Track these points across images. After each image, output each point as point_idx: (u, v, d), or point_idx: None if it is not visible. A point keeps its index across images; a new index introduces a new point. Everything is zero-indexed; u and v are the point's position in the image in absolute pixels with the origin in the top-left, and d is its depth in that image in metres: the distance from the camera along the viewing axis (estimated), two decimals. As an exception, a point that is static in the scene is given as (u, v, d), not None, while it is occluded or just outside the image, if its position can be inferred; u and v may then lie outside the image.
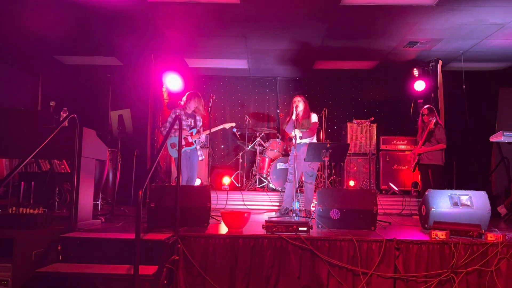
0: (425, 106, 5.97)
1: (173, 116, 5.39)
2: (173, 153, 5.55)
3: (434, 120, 5.67)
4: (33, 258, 3.18)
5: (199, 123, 5.70)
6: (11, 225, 3.37)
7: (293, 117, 5.21)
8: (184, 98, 5.64)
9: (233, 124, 6.18)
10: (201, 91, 8.31)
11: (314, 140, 5.58)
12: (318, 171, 7.38)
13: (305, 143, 5.29)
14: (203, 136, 5.71)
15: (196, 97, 5.60)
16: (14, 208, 3.48)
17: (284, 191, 5.81)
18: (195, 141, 5.54)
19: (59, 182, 5.10)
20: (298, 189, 5.10)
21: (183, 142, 5.42)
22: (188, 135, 5.47)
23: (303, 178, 5.82)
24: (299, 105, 5.26)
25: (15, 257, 3.03)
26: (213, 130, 5.92)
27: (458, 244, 3.62)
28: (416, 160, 5.84)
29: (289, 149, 6.78)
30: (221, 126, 6.00)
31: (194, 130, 5.57)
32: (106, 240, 3.55)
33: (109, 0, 5.23)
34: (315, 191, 5.27)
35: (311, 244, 3.62)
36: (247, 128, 7.73)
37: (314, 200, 5.37)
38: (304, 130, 5.29)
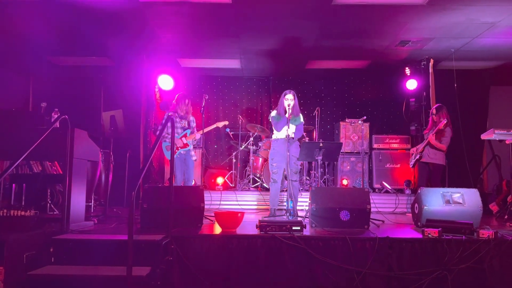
0: (434, 106, 5.89)
1: (166, 118, 5.38)
2: (169, 156, 5.52)
3: (445, 121, 5.57)
4: (24, 260, 3.15)
5: (193, 124, 5.69)
6: (2, 227, 3.34)
7: (286, 115, 5.14)
8: (174, 101, 5.64)
9: (226, 123, 6.13)
10: (193, 91, 8.36)
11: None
12: (311, 170, 7.43)
13: (296, 142, 5.25)
14: (197, 136, 5.70)
15: (185, 99, 5.59)
16: (5, 211, 3.45)
17: None
18: (189, 142, 5.53)
19: (51, 183, 5.05)
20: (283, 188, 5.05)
21: (179, 144, 5.42)
22: (182, 137, 5.45)
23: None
24: (291, 103, 5.16)
25: (7, 260, 3.00)
26: (206, 129, 5.88)
27: (450, 242, 3.65)
28: (418, 157, 5.82)
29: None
30: (214, 126, 5.97)
31: (188, 131, 5.56)
32: (99, 241, 3.53)
33: (101, 0, 5.20)
34: (308, 190, 5.25)
35: (305, 244, 3.63)
36: (240, 128, 7.72)
37: (307, 200, 5.36)
38: (294, 131, 5.22)
